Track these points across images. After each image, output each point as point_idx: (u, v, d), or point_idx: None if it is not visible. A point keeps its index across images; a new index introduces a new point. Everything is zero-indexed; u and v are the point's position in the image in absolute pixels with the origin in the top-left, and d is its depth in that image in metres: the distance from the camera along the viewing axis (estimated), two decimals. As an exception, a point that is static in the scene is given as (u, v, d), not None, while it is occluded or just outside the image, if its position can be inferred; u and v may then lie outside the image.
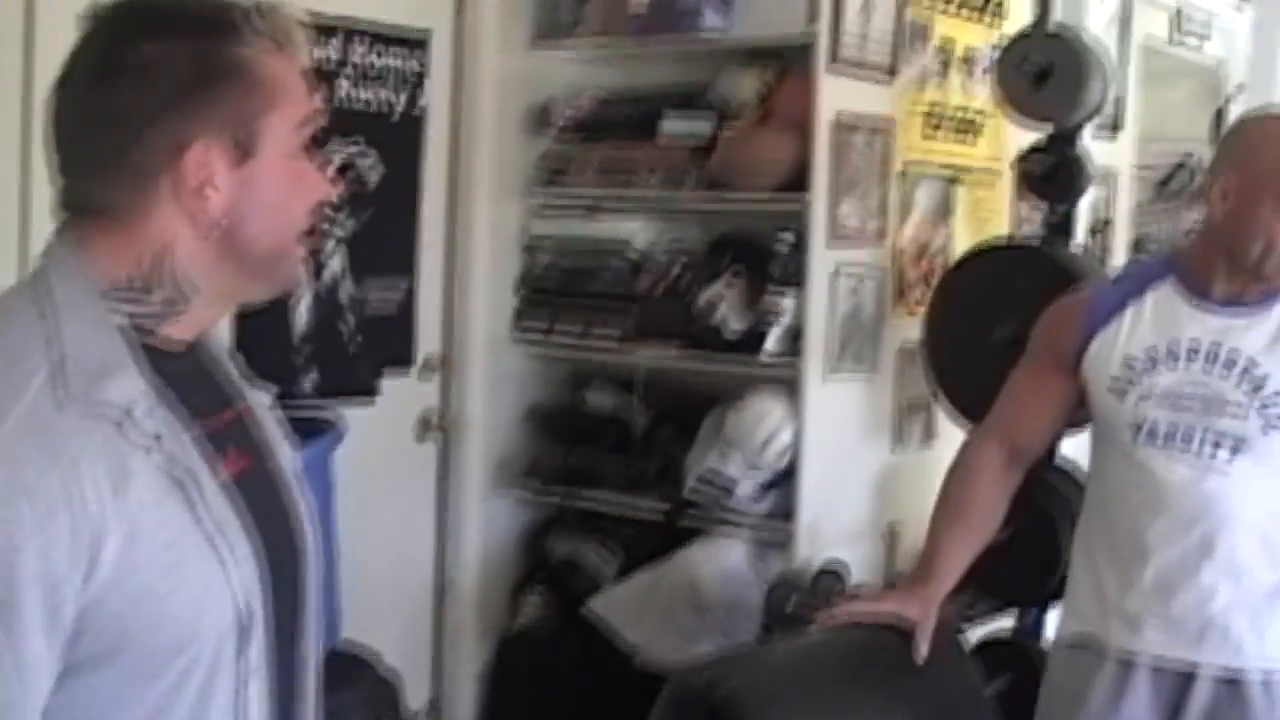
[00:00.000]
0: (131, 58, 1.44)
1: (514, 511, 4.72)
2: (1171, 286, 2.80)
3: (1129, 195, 5.40)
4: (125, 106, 1.44)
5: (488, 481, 4.62)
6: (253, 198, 1.49)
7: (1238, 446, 2.70)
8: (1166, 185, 7.40)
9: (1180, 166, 7.25)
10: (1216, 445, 2.71)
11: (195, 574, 1.41)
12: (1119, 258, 5.09)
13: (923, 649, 2.80)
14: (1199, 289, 2.77)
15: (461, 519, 4.56)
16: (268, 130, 1.48)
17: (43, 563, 1.31)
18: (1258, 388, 2.69)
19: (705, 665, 2.87)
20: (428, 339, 4.50)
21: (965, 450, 3.09)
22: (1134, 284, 2.87)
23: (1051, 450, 3.56)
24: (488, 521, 4.63)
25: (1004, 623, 4.12)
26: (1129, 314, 2.81)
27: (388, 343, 4.38)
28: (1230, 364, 2.71)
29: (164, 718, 1.42)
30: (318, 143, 1.57)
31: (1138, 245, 6.08)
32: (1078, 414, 2.96)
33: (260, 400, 1.68)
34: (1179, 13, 5.51)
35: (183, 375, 1.51)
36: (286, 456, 1.67)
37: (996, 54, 4.56)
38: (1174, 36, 5.60)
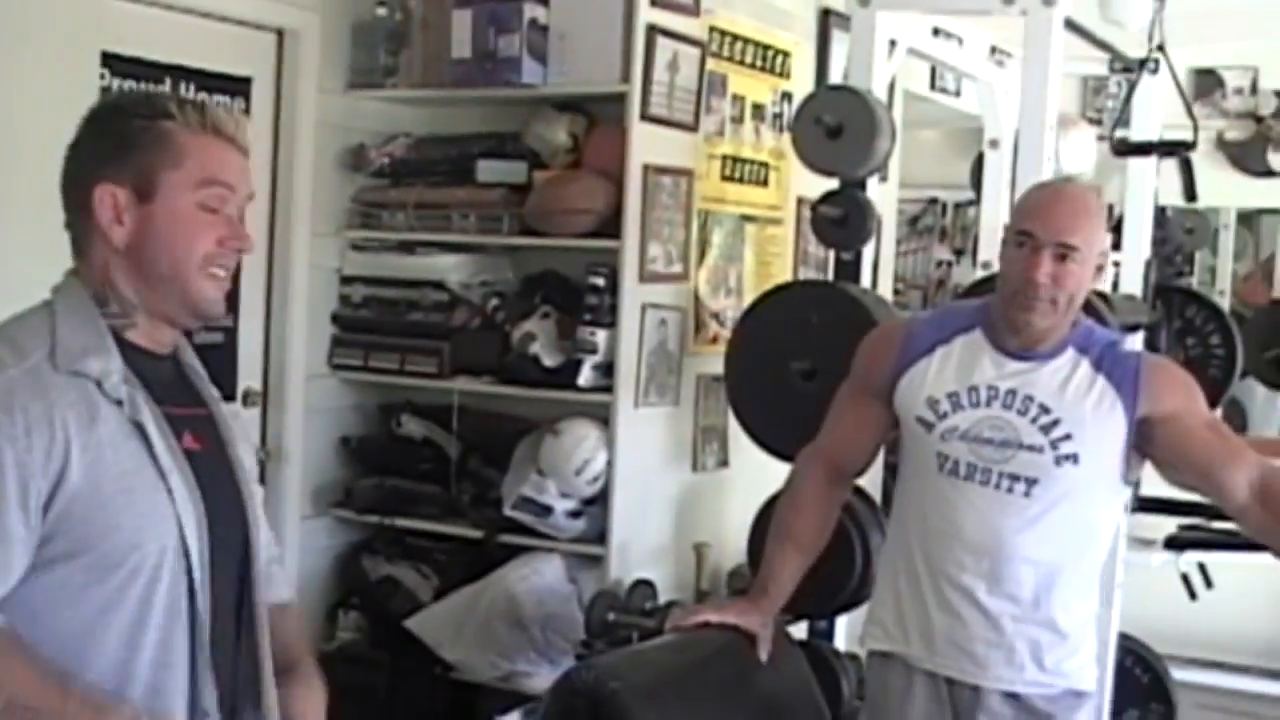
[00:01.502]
0: (88, 130, 2.03)
1: (331, 534, 4.91)
2: (977, 335, 3.06)
3: (892, 238, 5.84)
4: (73, 162, 2.03)
5: (306, 507, 4.81)
6: (151, 230, 1.99)
7: (1033, 481, 2.93)
8: (916, 224, 7.96)
9: (931, 203, 7.81)
10: (1014, 480, 2.94)
11: (144, 500, 1.93)
12: (886, 295, 5.50)
13: (763, 655, 3.16)
14: (999, 340, 3.03)
15: (281, 543, 4.69)
16: (167, 182, 1.99)
17: (20, 458, 1.85)
18: (1048, 428, 2.95)
19: (590, 664, 3.16)
20: (249, 371, 4.67)
21: (795, 474, 3.33)
22: (945, 329, 3.11)
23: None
24: (305, 545, 4.81)
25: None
26: (938, 355, 3.07)
27: (212, 375, 4.49)
28: (1025, 407, 2.97)
29: (119, 604, 1.93)
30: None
31: (896, 279, 6.58)
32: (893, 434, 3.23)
33: (231, 410, 2.22)
34: (933, 69, 5.95)
35: (158, 371, 2.04)
36: (248, 453, 2.20)
37: (778, 108, 4.96)
38: (933, 86, 6.05)
